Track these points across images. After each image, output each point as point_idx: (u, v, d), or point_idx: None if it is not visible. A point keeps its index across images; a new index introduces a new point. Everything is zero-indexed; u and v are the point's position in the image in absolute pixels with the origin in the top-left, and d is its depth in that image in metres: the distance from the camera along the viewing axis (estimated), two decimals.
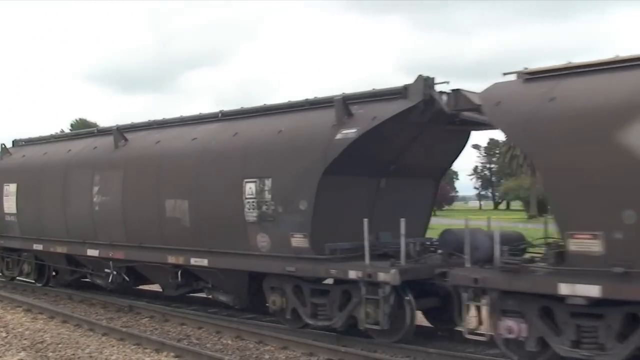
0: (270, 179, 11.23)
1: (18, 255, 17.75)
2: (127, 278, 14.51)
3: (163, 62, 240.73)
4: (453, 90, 9.86)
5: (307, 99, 11.83)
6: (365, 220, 10.33)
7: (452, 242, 10.95)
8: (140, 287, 15.75)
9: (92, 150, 15.38)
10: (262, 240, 11.41)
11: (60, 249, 15.81)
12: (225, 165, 12.03)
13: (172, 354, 10.37)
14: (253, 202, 11.45)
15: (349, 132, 10.40)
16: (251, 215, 11.49)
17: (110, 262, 14.49)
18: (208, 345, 11.09)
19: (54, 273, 17.32)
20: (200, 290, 13.73)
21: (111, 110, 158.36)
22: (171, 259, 13.03)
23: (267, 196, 11.25)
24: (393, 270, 9.83)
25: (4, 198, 17.48)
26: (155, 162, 13.39)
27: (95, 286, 16.44)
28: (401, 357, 9.92)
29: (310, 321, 11.05)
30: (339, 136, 10.49)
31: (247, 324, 12.15)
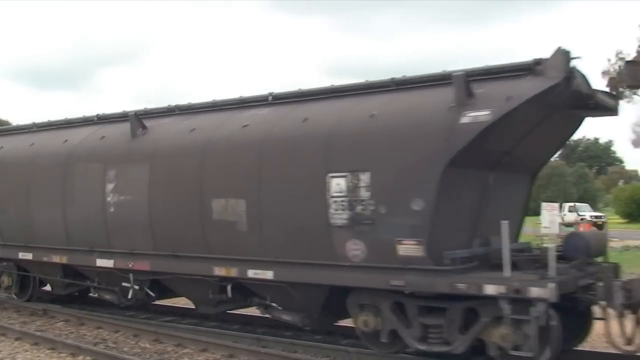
0: (367, 173, 9.15)
1: None
2: (152, 293, 12.13)
3: (78, 60, 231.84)
4: (628, 62, 8.09)
5: (404, 76, 9.82)
6: (505, 223, 8.42)
7: (582, 248, 9.27)
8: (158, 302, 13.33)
9: (100, 141, 12.82)
10: (355, 248, 9.32)
11: (57, 259, 13.20)
12: (298, 157, 9.86)
13: (88, 358, 10.24)
14: (342, 201, 9.34)
15: (481, 115, 8.46)
16: (339, 217, 9.38)
17: (131, 274, 12.05)
18: (125, 349, 10.87)
19: (48, 286, 14.72)
20: (246, 306, 11.57)
21: (25, 109, 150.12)
22: (219, 271, 10.73)
23: (364, 194, 9.17)
24: (551, 285, 7.96)
25: None
26: (196, 154, 11.04)
27: (91, 301, 14.08)
28: (321, 357, 9.91)
29: (420, 346, 9.06)
30: (465, 120, 8.52)
31: (165, 327, 11.88)
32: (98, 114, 13.92)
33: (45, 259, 13.45)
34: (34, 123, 15.35)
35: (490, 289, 8.32)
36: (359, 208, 9.20)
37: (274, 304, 10.67)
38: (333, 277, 9.58)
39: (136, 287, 12.01)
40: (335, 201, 9.39)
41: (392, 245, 8.95)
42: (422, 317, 9.10)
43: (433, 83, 9.38)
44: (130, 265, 11.92)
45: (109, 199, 12.13)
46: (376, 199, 9.05)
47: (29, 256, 13.80)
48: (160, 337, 11.25)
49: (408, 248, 8.86)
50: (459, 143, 8.48)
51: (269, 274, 10.15)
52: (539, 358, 8.23)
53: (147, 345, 10.98)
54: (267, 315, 11.04)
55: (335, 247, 9.47)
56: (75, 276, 13.64)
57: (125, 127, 12.50)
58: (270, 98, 11.24)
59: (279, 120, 10.48)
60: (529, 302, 8.09)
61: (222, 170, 10.66)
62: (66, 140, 13.52)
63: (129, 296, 12.16)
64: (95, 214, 12.38)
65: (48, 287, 15.00)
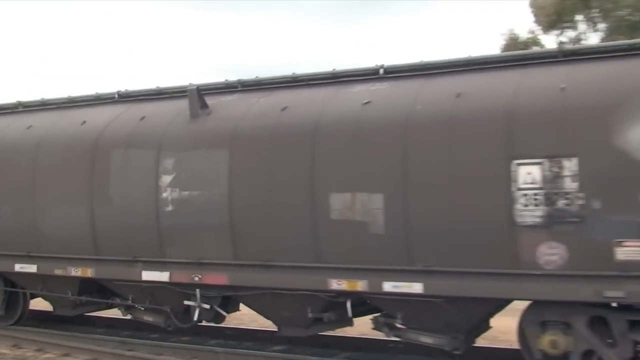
0: (574, 159, 7.35)
1: None
2: (223, 312, 9.69)
3: None
4: None
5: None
6: None
7: None
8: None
9: (142, 122, 10.18)
10: (550, 253, 7.46)
11: (78, 272, 10.37)
12: (465, 140, 7.90)
13: None
14: (536, 194, 7.48)
15: None
16: (529, 214, 7.50)
17: (197, 290, 9.53)
18: None
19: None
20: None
21: None
22: (337, 284, 8.54)
23: (570, 185, 7.36)
24: None
25: None
26: (304, 138, 8.77)
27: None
28: (189, 358, 9.72)
29: None
30: None
31: (25, 331, 11.23)
32: (120, 91, 11.22)
33: (58, 271, 10.56)
34: (19, 102, 12.31)
35: None
36: (561, 202, 7.38)
37: (402, 325, 8.63)
38: (515, 289, 7.67)
39: (205, 305, 9.50)
40: (526, 194, 7.52)
41: (608, 248, 7.20)
42: (634, 333, 7.43)
43: None
44: (196, 279, 9.42)
45: (164, 194, 9.56)
46: (588, 190, 7.27)
47: (31, 269, 10.83)
48: (19, 343, 10.71)
49: (632, 251, 7.14)
50: None
51: (416, 287, 8.10)
52: None
53: (6, 351, 10.41)
54: (397, 338, 8.94)
55: (519, 252, 7.58)
56: (93, 293, 10.87)
57: (177, 105, 10.01)
58: (381, 71, 9.19)
59: (418, 95, 8.45)
60: None
61: (344, 157, 8.49)
62: (84, 122, 10.72)
63: (195, 317, 9.61)
64: (142, 214, 9.74)
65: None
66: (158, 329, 10.69)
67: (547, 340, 7.75)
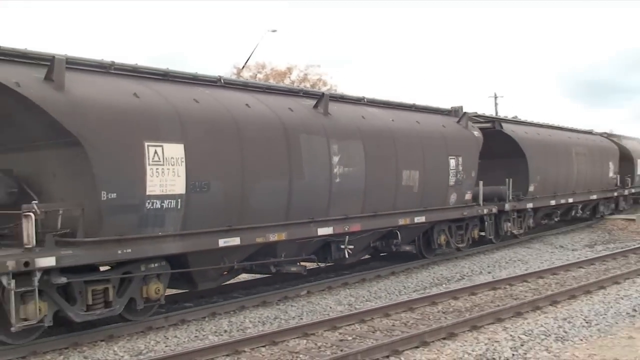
0: None
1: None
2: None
3: None
4: None
5: None
6: None
7: None
8: None
9: (309, 114, 13.24)
10: None
11: (275, 236, 11.96)
12: None
13: None
14: None
15: None
16: None
17: (346, 237, 13.59)
18: None
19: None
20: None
21: None
22: (403, 221, 15.13)
23: None
24: None
25: (151, 169, 9.86)
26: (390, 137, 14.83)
27: None
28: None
29: None
30: None
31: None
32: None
33: (259, 239, 11.59)
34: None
35: None
36: None
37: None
38: None
39: (350, 247, 13.67)
40: None
41: None
42: None
43: None
44: (346, 229, 13.57)
45: (335, 170, 13.19)
46: None
47: (234, 241, 11.14)
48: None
49: None
50: None
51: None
52: None
53: None
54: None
55: None
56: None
57: (309, 102, 13.63)
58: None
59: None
60: None
61: (407, 149, 15.24)
62: (291, 109, 12.83)
63: (346, 255, 13.67)
64: (321, 184, 12.94)
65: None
66: None
67: None
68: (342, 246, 13.81)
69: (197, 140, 10.57)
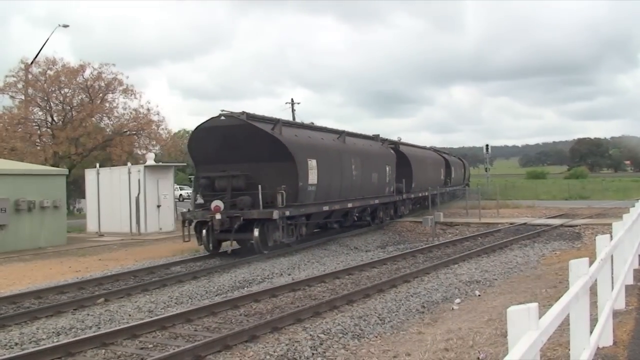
0: None
1: None
2: None
3: None
4: None
5: None
6: None
7: None
8: None
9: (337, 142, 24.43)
10: None
11: (335, 207, 23.43)
12: None
13: None
14: None
15: None
16: None
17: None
18: None
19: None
20: None
21: None
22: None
23: None
24: None
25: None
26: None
27: None
28: None
29: None
30: None
31: None
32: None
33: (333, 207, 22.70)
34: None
35: None
36: None
37: None
38: None
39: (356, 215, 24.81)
40: None
41: None
42: None
43: None
44: (349, 205, 23.95)
45: (355, 172, 24.23)
46: None
47: (326, 207, 21.74)
48: None
49: None
50: None
51: None
52: None
53: None
54: None
55: None
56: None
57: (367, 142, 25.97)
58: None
59: None
60: None
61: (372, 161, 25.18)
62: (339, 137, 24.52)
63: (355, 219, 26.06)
64: (348, 178, 23.94)
65: None
66: None
67: None
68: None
69: (320, 158, 21.51)
